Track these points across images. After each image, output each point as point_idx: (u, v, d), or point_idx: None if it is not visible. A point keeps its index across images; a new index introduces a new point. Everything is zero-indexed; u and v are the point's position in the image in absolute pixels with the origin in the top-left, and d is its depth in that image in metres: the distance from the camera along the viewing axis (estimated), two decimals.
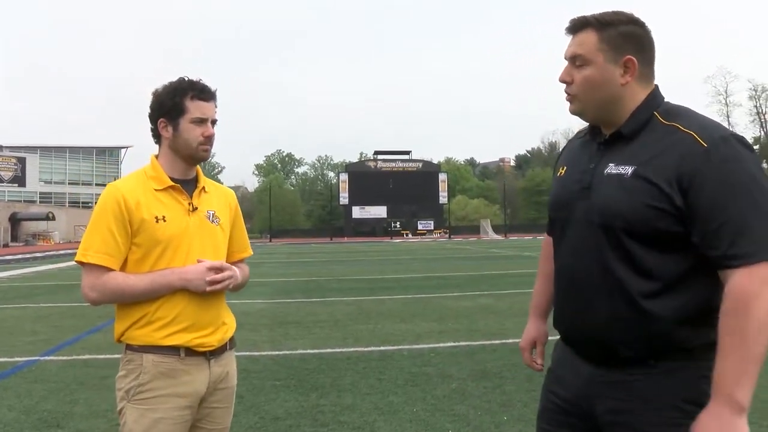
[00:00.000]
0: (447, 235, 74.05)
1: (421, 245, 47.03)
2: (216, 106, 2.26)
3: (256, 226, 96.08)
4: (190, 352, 2.14)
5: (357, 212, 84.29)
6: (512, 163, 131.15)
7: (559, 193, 1.85)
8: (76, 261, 2.15)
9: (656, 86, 1.73)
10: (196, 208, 2.23)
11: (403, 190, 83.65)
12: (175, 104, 2.18)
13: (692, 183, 1.53)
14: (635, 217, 1.59)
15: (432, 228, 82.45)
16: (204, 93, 2.21)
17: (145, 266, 2.14)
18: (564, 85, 1.76)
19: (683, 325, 1.59)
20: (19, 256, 33.25)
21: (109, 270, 2.11)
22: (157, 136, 2.27)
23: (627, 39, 1.66)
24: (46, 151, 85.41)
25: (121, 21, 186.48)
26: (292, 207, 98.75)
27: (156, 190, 2.19)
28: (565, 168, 1.87)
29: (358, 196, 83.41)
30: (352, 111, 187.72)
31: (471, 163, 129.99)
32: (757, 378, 1.47)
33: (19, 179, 79.39)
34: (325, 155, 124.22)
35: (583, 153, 1.82)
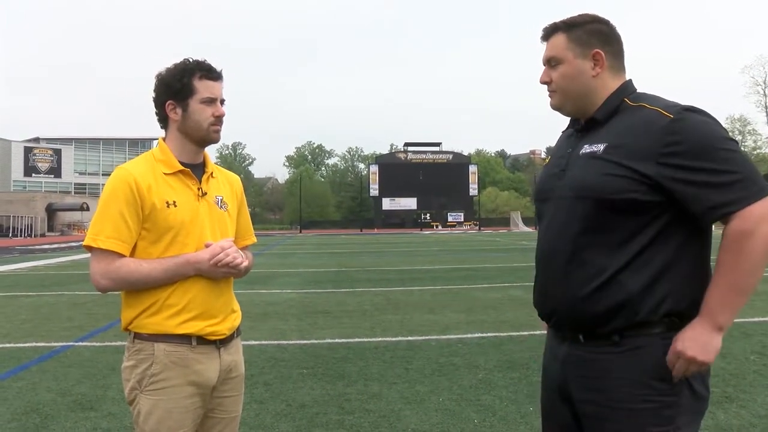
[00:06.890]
0: (477, 227, 73.76)
1: (451, 237, 46.87)
2: (222, 87, 2.20)
3: (287, 218, 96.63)
4: (201, 340, 2.11)
5: (387, 204, 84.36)
6: (543, 155, 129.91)
7: (541, 180, 1.99)
8: (84, 246, 2.07)
9: (629, 80, 1.87)
10: (206, 194, 2.18)
11: (434, 181, 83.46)
12: (184, 85, 2.12)
13: (665, 151, 1.64)
14: (604, 187, 1.70)
15: (462, 220, 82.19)
16: (212, 72, 2.16)
17: (155, 252, 2.09)
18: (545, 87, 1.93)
19: (647, 296, 1.68)
20: (55, 246, 34.04)
21: (121, 256, 2.05)
22: (163, 120, 2.20)
23: (592, 35, 1.83)
24: (80, 142, 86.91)
25: (152, 21, 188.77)
26: (323, 198, 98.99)
27: (165, 174, 2.13)
28: (549, 158, 2.03)
29: (389, 188, 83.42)
30: (382, 105, 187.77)
31: (501, 155, 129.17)
32: (740, 307, 1.65)
33: (55, 170, 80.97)
34: (356, 147, 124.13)
35: (564, 142, 1.98)
